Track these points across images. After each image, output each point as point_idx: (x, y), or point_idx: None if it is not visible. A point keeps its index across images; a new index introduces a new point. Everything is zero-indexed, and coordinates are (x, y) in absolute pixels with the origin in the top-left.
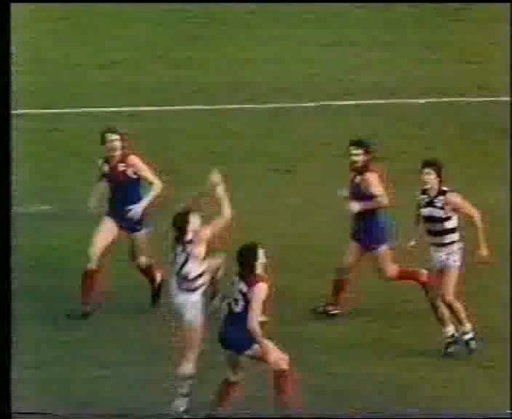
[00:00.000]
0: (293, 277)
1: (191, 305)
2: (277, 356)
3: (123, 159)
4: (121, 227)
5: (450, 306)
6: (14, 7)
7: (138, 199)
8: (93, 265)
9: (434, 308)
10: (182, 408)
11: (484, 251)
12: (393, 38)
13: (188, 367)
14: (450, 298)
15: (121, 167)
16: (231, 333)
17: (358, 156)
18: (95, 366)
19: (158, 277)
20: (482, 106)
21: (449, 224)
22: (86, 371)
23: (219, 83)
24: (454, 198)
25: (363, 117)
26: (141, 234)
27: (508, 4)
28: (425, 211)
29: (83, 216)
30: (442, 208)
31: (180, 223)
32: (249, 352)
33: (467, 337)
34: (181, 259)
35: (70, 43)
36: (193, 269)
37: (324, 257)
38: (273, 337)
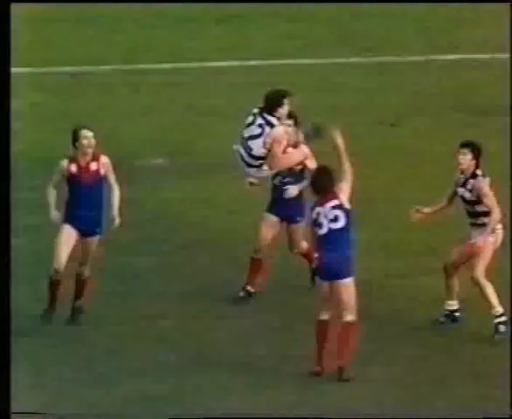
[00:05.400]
0: (400, 229)
1: (257, 175)
2: (354, 305)
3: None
4: (282, 217)
5: (478, 285)
6: None
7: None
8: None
9: (446, 275)
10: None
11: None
12: None
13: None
14: (478, 276)
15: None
16: (332, 259)
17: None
18: None
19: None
20: None
21: (480, 208)
22: None
23: (329, 36)
24: (481, 185)
25: (470, 71)
26: (301, 224)
27: (509, 4)
28: (459, 191)
29: (200, 169)
30: (470, 191)
31: (271, 100)
32: (344, 280)
33: (497, 320)
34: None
35: None
36: (256, 147)
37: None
38: (380, 290)
